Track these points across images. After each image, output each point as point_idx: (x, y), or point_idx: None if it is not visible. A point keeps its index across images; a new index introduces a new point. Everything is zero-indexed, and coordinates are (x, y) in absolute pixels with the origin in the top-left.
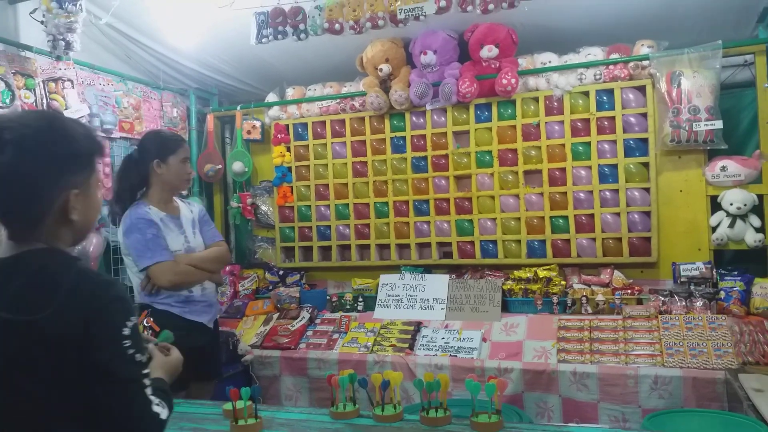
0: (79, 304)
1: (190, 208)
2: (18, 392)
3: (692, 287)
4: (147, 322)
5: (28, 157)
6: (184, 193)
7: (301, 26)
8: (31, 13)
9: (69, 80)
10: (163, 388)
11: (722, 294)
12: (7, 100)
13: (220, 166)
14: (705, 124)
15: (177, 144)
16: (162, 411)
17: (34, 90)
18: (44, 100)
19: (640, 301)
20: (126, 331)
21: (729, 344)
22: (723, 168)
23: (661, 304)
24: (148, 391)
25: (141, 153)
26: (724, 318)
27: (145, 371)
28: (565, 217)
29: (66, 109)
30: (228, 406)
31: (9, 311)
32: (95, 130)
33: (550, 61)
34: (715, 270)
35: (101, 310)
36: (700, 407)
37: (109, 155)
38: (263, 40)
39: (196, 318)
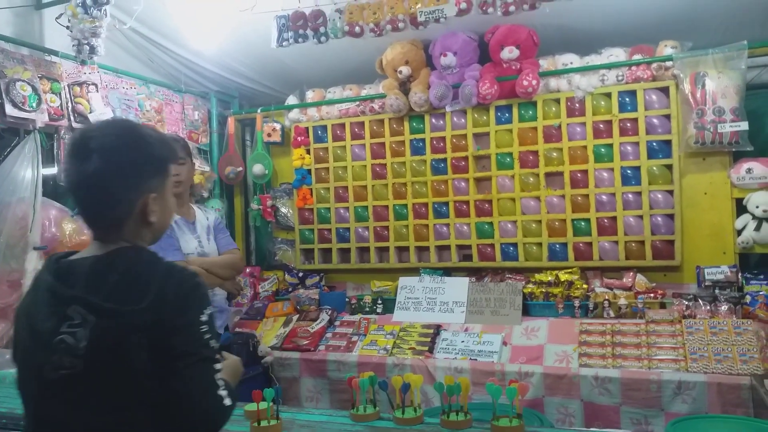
0: (168, 296)
1: (206, 215)
2: (108, 381)
3: (717, 291)
4: None
5: (111, 164)
6: (206, 194)
7: (322, 29)
8: (57, 18)
9: (93, 84)
10: (229, 382)
11: (748, 298)
12: (34, 104)
13: (240, 169)
14: (730, 126)
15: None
16: (227, 398)
17: (60, 94)
18: (69, 104)
19: (663, 305)
20: (203, 318)
21: (755, 349)
22: (749, 170)
23: (684, 309)
24: (218, 375)
25: None
26: (749, 323)
27: (217, 356)
28: (587, 220)
29: (90, 112)
30: (250, 407)
31: (110, 303)
32: (168, 137)
33: (571, 63)
34: (740, 274)
35: (184, 298)
36: (724, 413)
37: None
38: (284, 44)
39: None
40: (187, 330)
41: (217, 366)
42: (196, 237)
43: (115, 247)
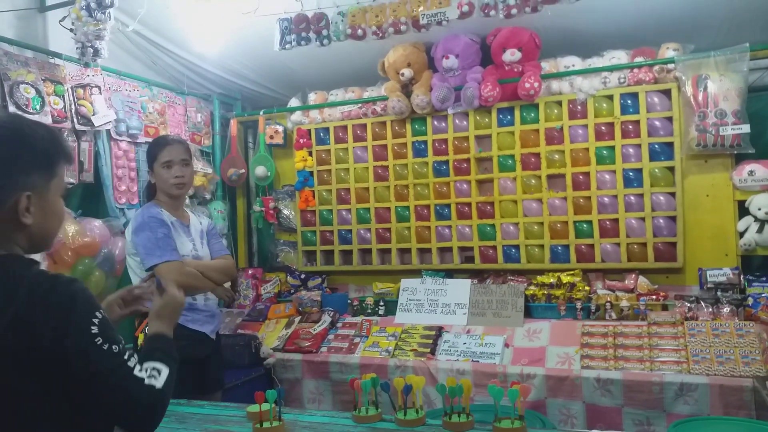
0: (39, 306)
1: (200, 220)
2: None
3: (719, 293)
4: (148, 332)
5: None
6: (208, 196)
7: (324, 32)
8: (60, 21)
9: (97, 86)
10: (156, 347)
11: (750, 300)
12: (38, 107)
13: (243, 171)
14: (732, 128)
15: (158, 148)
16: (158, 378)
17: (63, 96)
18: (73, 106)
19: (665, 307)
20: (95, 329)
21: (757, 351)
22: (751, 172)
23: (687, 311)
24: (135, 370)
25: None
26: (751, 325)
27: (125, 356)
28: (589, 222)
29: (93, 114)
30: (252, 408)
31: None
32: (62, 136)
33: (573, 65)
34: (742, 276)
35: (66, 314)
36: (726, 415)
37: (135, 159)
38: (286, 46)
39: (198, 327)
40: (84, 352)
41: (130, 364)
42: (191, 240)
43: None
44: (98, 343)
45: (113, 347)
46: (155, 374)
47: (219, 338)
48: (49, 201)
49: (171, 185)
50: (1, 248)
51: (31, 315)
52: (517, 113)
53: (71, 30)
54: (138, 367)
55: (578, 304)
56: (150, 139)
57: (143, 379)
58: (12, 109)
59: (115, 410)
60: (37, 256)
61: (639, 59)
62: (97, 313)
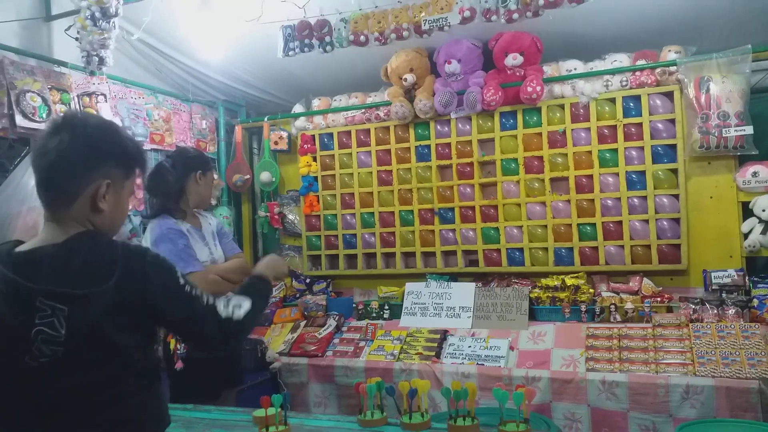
0: (133, 273)
1: (209, 221)
2: (92, 355)
3: (724, 295)
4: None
5: (78, 139)
6: (214, 202)
7: (327, 39)
8: (66, 30)
9: (102, 94)
10: (250, 283)
11: (755, 302)
12: (44, 115)
13: (248, 176)
14: (735, 130)
15: (211, 163)
16: (239, 310)
17: (69, 104)
18: None
19: (670, 309)
20: (181, 280)
21: (763, 353)
22: (754, 174)
23: (691, 312)
24: (215, 307)
25: (182, 163)
26: (757, 326)
27: (206, 297)
28: (593, 225)
29: None
30: (258, 412)
31: (79, 287)
32: (143, 149)
33: (575, 69)
34: (747, 277)
35: (152, 271)
36: (733, 417)
37: None
38: (290, 53)
39: None
40: (176, 301)
41: (210, 300)
42: (206, 244)
43: (73, 233)
44: (187, 290)
45: (194, 291)
46: (237, 307)
47: None
48: (121, 195)
49: (213, 195)
50: (83, 226)
51: (131, 275)
52: (519, 117)
53: (76, 39)
54: (222, 302)
55: (583, 307)
56: (156, 146)
57: (221, 312)
58: (18, 117)
59: (198, 336)
60: None
61: (641, 62)
62: (176, 269)
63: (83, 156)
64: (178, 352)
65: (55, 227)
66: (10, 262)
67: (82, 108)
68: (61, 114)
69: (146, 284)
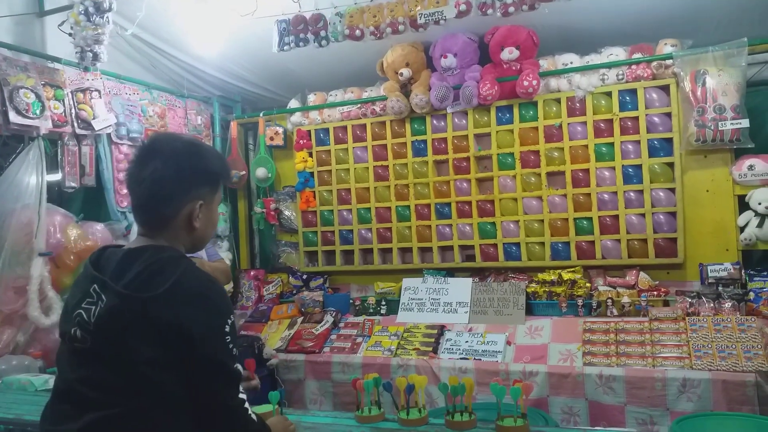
0: (181, 295)
1: None
2: (112, 363)
3: (720, 288)
4: None
5: (170, 165)
6: None
7: (323, 33)
8: (59, 25)
9: (96, 90)
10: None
11: (751, 295)
12: (38, 111)
13: (243, 172)
14: (731, 123)
15: None
16: (251, 410)
17: (63, 101)
18: (73, 111)
19: (666, 303)
20: (227, 328)
21: (759, 346)
22: (750, 167)
23: (688, 306)
24: (239, 379)
25: None
26: (753, 319)
27: (237, 364)
28: (589, 219)
29: (94, 118)
30: (255, 410)
31: (124, 288)
32: (225, 157)
33: (571, 62)
34: (743, 271)
35: (207, 307)
36: (730, 410)
37: None
38: (285, 48)
39: None
40: (214, 342)
41: (239, 369)
42: None
43: (150, 243)
44: (227, 340)
45: (234, 350)
46: (251, 410)
47: None
48: (212, 211)
49: None
50: (169, 243)
51: (176, 297)
52: (516, 111)
53: (70, 34)
54: (243, 397)
55: (579, 301)
56: None
57: (240, 392)
58: (12, 114)
59: (204, 397)
60: (39, 260)
61: (637, 55)
62: (231, 316)
63: (177, 184)
64: None
65: (142, 239)
66: (97, 254)
67: (76, 105)
68: (149, 138)
69: (187, 310)
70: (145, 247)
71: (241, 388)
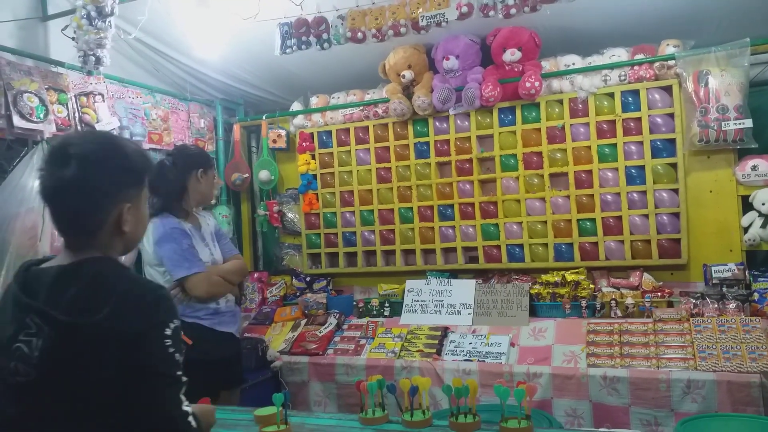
0: (130, 308)
1: (207, 221)
2: (60, 392)
3: (724, 289)
4: None
5: (90, 171)
6: (213, 201)
7: (325, 36)
8: (62, 30)
9: (100, 94)
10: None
11: (756, 296)
12: (41, 115)
13: (246, 175)
14: (734, 123)
15: (212, 160)
16: (193, 419)
17: (67, 104)
18: (76, 115)
19: (670, 304)
20: (168, 332)
21: (764, 347)
22: (754, 167)
23: (692, 307)
24: (182, 388)
25: (183, 161)
26: (758, 320)
27: (180, 372)
28: (593, 220)
29: (97, 122)
30: (259, 411)
31: (67, 315)
32: (145, 149)
33: (573, 63)
34: (747, 271)
35: (147, 310)
36: (735, 411)
37: None
38: (287, 51)
39: (225, 329)
40: (152, 346)
41: (183, 379)
42: (206, 245)
43: (83, 257)
44: (167, 344)
45: (176, 355)
46: (192, 415)
47: (240, 336)
48: (141, 210)
49: (214, 194)
50: (100, 252)
51: (123, 312)
52: (518, 113)
53: (73, 39)
54: (184, 390)
55: (583, 303)
56: (154, 146)
57: (183, 402)
58: (16, 118)
59: (145, 410)
60: None
61: (639, 56)
62: (175, 320)
63: (100, 191)
64: None
65: (71, 252)
66: (22, 276)
67: (80, 109)
68: (59, 141)
69: (133, 320)
70: (78, 263)
71: (183, 398)
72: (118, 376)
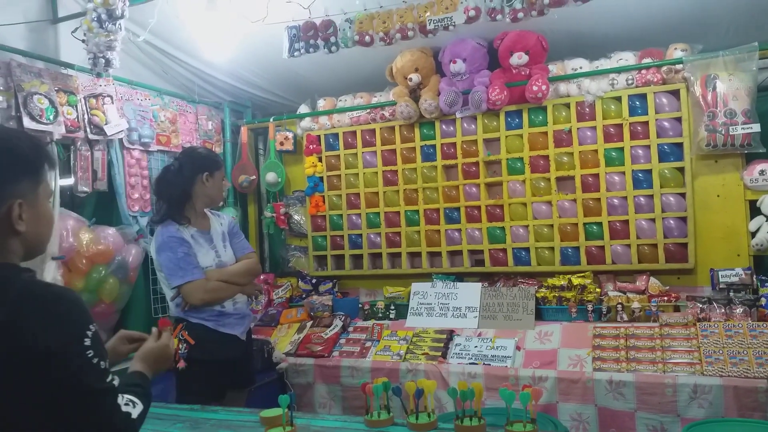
0: (28, 314)
1: (220, 221)
2: None
3: (731, 294)
4: (182, 335)
5: None
6: (220, 203)
7: (332, 39)
8: (72, 32)
9: (109, 96)
10: (136, 383)
11: (763, 301)
12: (51, 117)
13: (253, 177)
14: (742, 128)
15: (220, 162)
16: (133, 409)
17: (76, 106)
18: (86, 116)
19: (677, 309)
20: (87, 342)
21: None
22: (762, 171)
23: (699, 312)
24: (116, 393)
25: (188, 166)
26: (765, 325)
27: (110, 377)
28: (599, 224)
29: (106, 124)
30: (265, 413)
31: None
32: (42, 141)
33: (581, 67)
34: (755, 276)
35: (58, 322)
36: (741, 417)
37: (147, 168)
38: (295, 54)
39: (229, 331)
40: (74, 360)
41: (114, 383)
42: (213, 248)
43: None
44: (89, 355)
45: (101, 363)
46: (130, 405)
47: (250, 337)
48: (39, 206)
49: (222, 196)
50: (4, 253)
51: (21, 321)
52: (525, 116)
53: (83, 41)
54: (120, 390)
55: (589, 306)
56: (162, 148)
57: (121, 406)
58: (26, 119)
59: (89, 426)
60: (51, 265)
61: (647, 60)
62: (91, 326)
63: None
64: (180, 351)
65: None
66: None
67: (89, 110)
68: None
69: (38, 331)
70: None
71: (120, 400)
72: (41, 394)
